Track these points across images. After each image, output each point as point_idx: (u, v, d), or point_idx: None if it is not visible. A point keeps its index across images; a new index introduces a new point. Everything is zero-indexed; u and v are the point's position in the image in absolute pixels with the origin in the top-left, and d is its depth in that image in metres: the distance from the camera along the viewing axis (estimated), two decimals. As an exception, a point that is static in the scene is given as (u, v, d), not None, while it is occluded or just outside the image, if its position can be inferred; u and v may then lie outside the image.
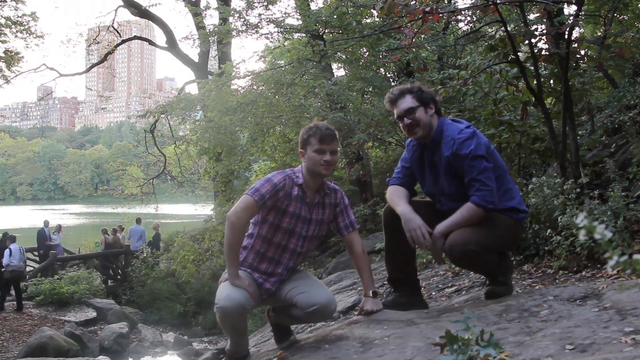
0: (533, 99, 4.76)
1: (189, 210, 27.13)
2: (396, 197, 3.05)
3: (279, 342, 3.08)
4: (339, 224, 2.99)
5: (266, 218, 2.86)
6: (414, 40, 6.12)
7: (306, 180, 2.88)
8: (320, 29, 11.91)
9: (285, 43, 15.52)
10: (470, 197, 2.82)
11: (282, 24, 13.09)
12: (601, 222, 3.11)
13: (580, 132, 5.61)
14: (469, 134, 2.87)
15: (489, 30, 6.78)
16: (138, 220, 19.13)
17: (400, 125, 3.04)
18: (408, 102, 2.97)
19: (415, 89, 3.01)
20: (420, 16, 4.18)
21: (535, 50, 4.59)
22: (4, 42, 19.30)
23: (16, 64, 19.82)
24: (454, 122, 3.02)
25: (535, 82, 4.55)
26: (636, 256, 1.15)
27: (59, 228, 18.74)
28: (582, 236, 1.24)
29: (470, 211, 2.81)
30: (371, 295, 2.95)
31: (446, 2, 6.82)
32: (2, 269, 12.82)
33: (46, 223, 18.12)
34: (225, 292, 2.67)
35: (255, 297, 2.77)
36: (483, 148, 2.86)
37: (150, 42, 25.07)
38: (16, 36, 19.61)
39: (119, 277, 17.50)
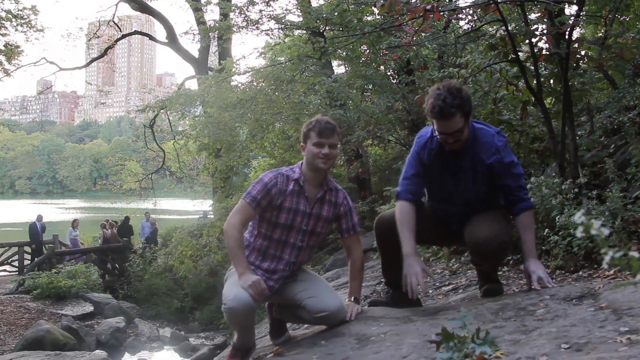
0: (533, 98, 4.75)
1: (187, 206, 27.12)
2: (405, 229, 2.95)
3: (274, 337, 3.08)
4: (341, 225, 3.00)
5: (264, 215, 2.88)
6: (414, 38, 6.13)
7: (306, 174, 2.90)
8: (321, 26, 11.90)
9: (286, 40, 15.50)
10: (520, 203, 2.93)
11: (283, 21, 13.08)
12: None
13: (579, 133, 5.60)
14: (505, 142, 2.96)
15: (490, 29, 6.77)
16: (146, 215, 19.37)
17: (439, 137, 2.91)
18: (457, 122, 2.81)
19: (465, 104, 2.83)
20: (421, 14, 4.17)
21: (536, 50, 4.58)
22: (4, 35, 19.29)
23: (16, 57, 19.80)
24: (477, 123, 3.03)
25: (535, 81, 4.55)
26: (632, 253, 1.15)
27: (77, 224, 19.01)
28: (579, 233, 1.24)
29: (531, 217, 2.98)
30: (352, 300, 2.96)
31: (447, 0, 6.81)
32: None
33: (39, 218, 18.18)
34: (233, 293, 2.64)
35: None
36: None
37: (151, 37, 25.05)
38: (16, 29, 19.60)
39: (116, 271, 17.52)
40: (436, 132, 2.91)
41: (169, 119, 19.74)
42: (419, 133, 3.16)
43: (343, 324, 2.82)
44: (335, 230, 3.08)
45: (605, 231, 1.22)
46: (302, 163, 2.94)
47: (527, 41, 4.56)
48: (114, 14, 22.61)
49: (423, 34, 6.59)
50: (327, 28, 12.12)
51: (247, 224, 2.90)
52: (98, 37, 23.66)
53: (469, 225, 2.95)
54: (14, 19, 19.18)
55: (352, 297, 2.98)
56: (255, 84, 13.47)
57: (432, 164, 3.02)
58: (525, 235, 2.91)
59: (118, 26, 23.26)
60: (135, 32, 27.96)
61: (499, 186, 2.95)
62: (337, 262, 8.44)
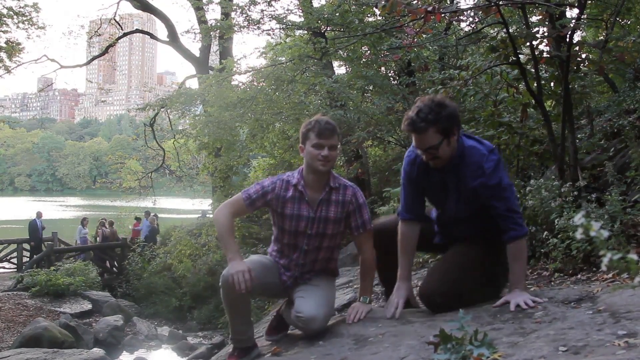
0: (533, 101, 4.76)
1: (186, 205, 27.12)
2: (402, 254, 2.99)
3: (271, 334, 3.08)
4: (350, 223, 2.94)
5: (274, 221, 2.95)
6: (415, 39, 6.12)
7: (306, 178, 2.88)
8: (322, 27, 11.90)
9: (287, 40, 15.49)
10: (509, 232, 2.73)
11: (284, 21, 13.08)
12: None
13: (579, 136, 5.60)
14: (495, 162, 2.74)
15: (491, 31, 6.77)
16: (146, 214, 19.44)
17: (419, 151, 2.84)
18: (431, 138, 2.70)
19: (442, 119, 2.69)
20: (422, 15, 4.17)
21: (536, 53, 4.59)
22: (5, 32, 19.29)
23: (17, 54, 19.80)
24: (471, 139, 2.87)
25: (535, 84, 4.55)
26: (630, 256, 1.15)
27: (86, 222, 19.05)
28: (578, 235, 1.24)
29: (520, 246, 2.75)
30: (362, 300, 2.95)
31: (448, 2, 6.81)
32: None
33: (39, 214, 18.18)
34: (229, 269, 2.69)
35: (256, 281, 2.73)
36: (507, 173, 2.83)
37: (152, 36, 25.02)
38: (18, 27, 19.59)
39: (115, 269, 17.52)
40: (414, 146, 2.86)
41: (169, 118, 19.73)
42: (408, 149, 3.07)
43: (341, 325, 2.83)
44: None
45: (605, 233, 1.22)
46: (302, 167, 2.92)
47: (527, 44, 4.56)
48: (115, 12, 22.57)
49: (424, 36, 6.58)
50: (328, 28, 12.11)
51: (237, 216, 2.97)
52: (99, 35, 23.61)
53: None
54: (15, 16, 19.19)
55: (362, 297, 2.96)
56: (255, 83, 13.48)
57: (420, 178, 2.94)
58: (512, 266, 2.75)
59: (119, 24, 23.22)
60: (137, 31, 27.87)
61: (488, 207, 2.78)
62: (335, 262, 8.41)
